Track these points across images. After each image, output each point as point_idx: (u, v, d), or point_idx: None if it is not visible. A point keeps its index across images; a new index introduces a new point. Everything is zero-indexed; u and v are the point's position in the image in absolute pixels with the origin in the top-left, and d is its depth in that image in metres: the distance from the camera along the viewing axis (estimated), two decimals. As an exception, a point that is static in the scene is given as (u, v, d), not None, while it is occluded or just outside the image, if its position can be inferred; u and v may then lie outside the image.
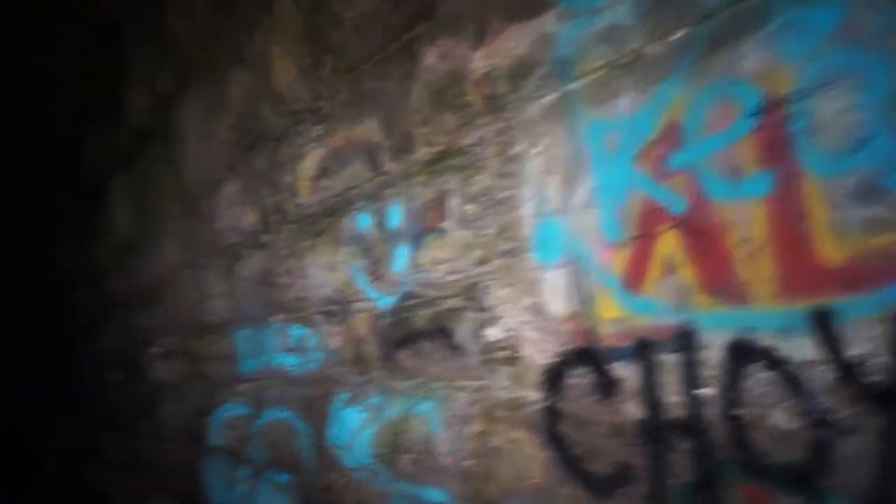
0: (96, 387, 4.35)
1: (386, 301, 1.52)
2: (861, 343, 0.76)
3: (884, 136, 0.72)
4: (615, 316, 1.02)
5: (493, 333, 1.24)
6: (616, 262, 1.01)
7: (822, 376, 0.79)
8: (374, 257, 1.53)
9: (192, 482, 2.81)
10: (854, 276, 0.75)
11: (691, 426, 0.94)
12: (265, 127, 1.93)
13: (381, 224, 1.49)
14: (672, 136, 0.91)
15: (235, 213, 2.18)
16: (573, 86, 1.03)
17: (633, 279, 0.98)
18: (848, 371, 0.77)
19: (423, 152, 1.35)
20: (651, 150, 0.93)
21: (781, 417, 0.84)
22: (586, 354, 1.08)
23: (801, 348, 0.81)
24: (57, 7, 3.23)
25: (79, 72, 3.51)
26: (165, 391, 3.11)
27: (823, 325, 0.79)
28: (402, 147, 1.40)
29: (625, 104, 0.95)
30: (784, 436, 0.84)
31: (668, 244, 0.93)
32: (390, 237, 1.47)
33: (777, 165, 0.80)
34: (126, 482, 3.80)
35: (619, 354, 1.02)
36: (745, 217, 0.84)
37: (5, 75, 4.01)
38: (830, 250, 0.77)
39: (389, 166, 1.45)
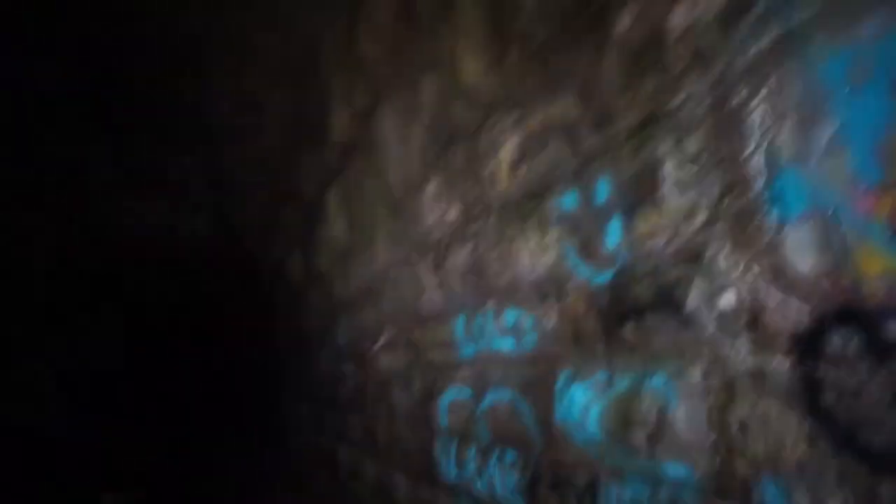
0: (335, 378, 4.99)
1: (601, 277, 1.52)
2: None
3: None
4: (885, 269, 0.90)
5: (727, 300, 1.18)
6: (879, 207, 0.89)
7: None
8: (584, 235, 1.54)
9: (426, 461, 3.10)
10: None
11: None
12: (458, 124, 2.04)
13: (588, 201, 1.50)
14: (944, 51, 0.78)
15: (439, 210, 2.34)
16: (801, 16, 0.93)
17: (905, 224, 0.87)
18: None
19: (625, 122, 1.32)
20: (915, 73, 0.81)
21: None
22: (849, 315, 0.97)
23: None
24: (263, 47, 3.76)
25: (289, 102, 4.05)
26: (394, 378, 3.46)
27: None
28: (602, 120, 1.38)
29: (873, 25, 0.84)
30: None
31: (951, 178, 0.80)
32: (599, 213, 1.47)
33: None
34: (368, 460, 4.31)
35: (893, 313, 0.91)
36: None
37: (233, 116, 4.78)
38: None
39: (590, 141, 1.44)
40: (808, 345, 1.06)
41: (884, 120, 0.86)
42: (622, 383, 1.54)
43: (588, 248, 1.54)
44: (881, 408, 0.95)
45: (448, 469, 2.86)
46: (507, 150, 1.79)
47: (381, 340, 3.53)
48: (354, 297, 3.95)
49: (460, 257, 2.27)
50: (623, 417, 1.54)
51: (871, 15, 0.84)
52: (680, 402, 1.35)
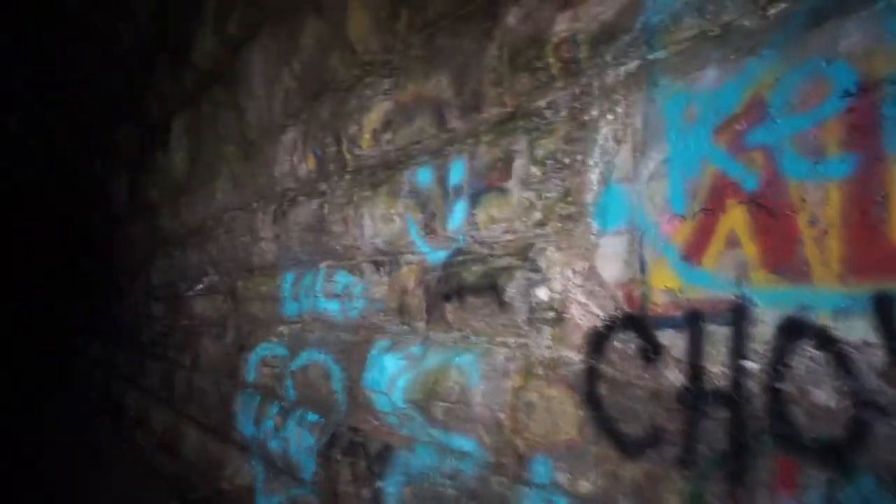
0: (143, 318, 4.53)
1: (437, 255, 1.55)
2: (921, 330, 0.76)
3: (977, 126, 0.71)
4: (670, 286, 1.03)
5: (542, 294, 1.26)
6: (678, 233, 1.01)
7: (874, 359, 0.80)
8: (431, 212, 1.56)
9: (223, 414, 2.93)
10: (925, 264, 0.75)
11: (731, 396, 0.96)
12: (333, 77, 1.96)
13: (441, 180, 1.52)
14: (755, 112, 0.90)
15: (294, 160, 2.23)
16: (658, 55, 1.03)
17: (694, 251, 0.99)
18: (903, 356, 0.78)
19: (492, 112, 1.36)
20: (731, 125, 0.93)
21: (824, 395, 0.85)
22: (634, 321, 1.09)
23: (857, 330, 0.81)
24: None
25: (151, 11, 3.59)
26: (207, 327, 3.22)
27: (884, 309, 0.79)
28: (472, 105, 1.41)
29: (711, 77, 0.95)
30: (824, 413, 0.85)
31: (735, 219, 0.94)
32: (449, 193, 1.50)
33: (862, 149, 0.80)
34: (159, 409, 3.97)
35: (668, 323, 1.04)
36: (820, 198, 0.84)
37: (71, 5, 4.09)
38: (904, 236, 0.77)
39: (456, 124, 1.46)
40: (596, 343, 1.17)
41: (700, 159, 0.98)
42: (433, 358, 1.58)
43: (430, 226, 1.57)
44: (641, 402, 1.09)
45: (245, 425, 2.74)
46: (375, 115, 1.75)
47: (201, 285, 3.28)
48: (181, 236, 3.61)
49: (304, 213, 2.18)
50: (428, 390, 1.59)
51: (711, 67, 0.95)
52: (481, 381, 1.42)
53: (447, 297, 1.52)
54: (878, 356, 0.79)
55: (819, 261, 0.85)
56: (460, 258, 1.48)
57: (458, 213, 1.47)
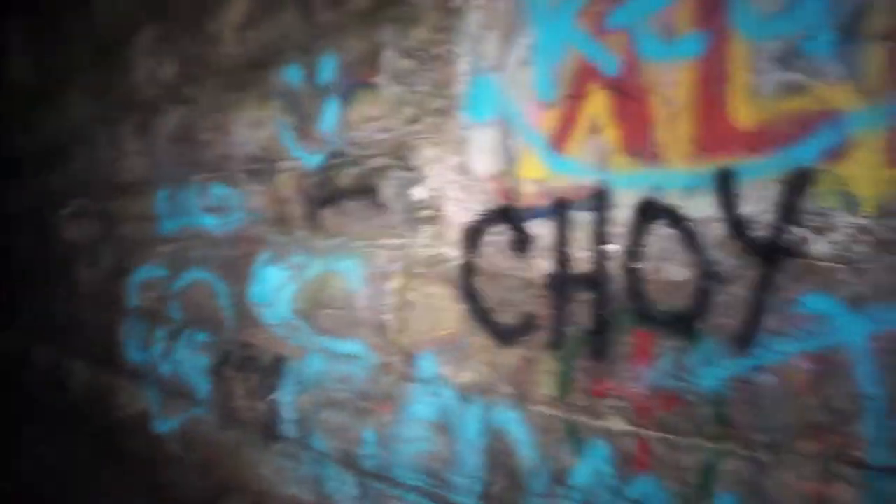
0: (6, 252, 4.00)
1: (312, 160, 1.43)
2: (754, 202, 0.79)
3: (813, -2, 0.71)
4: (537, 176, 1.01)
5: (417, 192, 1.21)
6: (545, 121, 0.98)
7: (716, 232, 0.83)
8: (303, 113, 1.42)
9: (109, 343, 2.71)
10: (759, 139, 0.77)
11: (594, 279, 0.97)
12: (187, -34, 1.69)
13: (311, 78, 1.38)
14: (615, -8, 0.86)
15: (153, 64, 1.95)
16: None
17: (559, 140, 0.97)
18: (738, 227, 0.81)
19: (360, 2, 1.22)
20: (592, 7, 0.88)
21: (674, 269, 0.88)
22: (506, 213, 1.07)
23: (702, 206, 0.83)
24: None
25: None
26: (79, 253, 2.90)
27: (724, 184, 0.81)
28: (338, -6, 1.26)
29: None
30: (674, 286, 0.88)
31: (596, 105, 0.91)
32: (320, 92, 1.36)
33: (710, 26, 0.78)
34: (42, 344, 3.62)
35: (537, 213, 1.02)
36: (672, 79, 0.83)
37: None
38: (743, 113, 0.77)
39: (324, 16, 1.31)
40: (472, 237, 1.14)
41: (563, 44, 0.93)
42: (315, 266, 1.50)
43: (303, 129, 1.43)
44: (514, 292, 1.08)
45: (133, 353, 2.55)
46: (237, 9, 1.54)
47: (68, 209, 2.91)
48: (37, 156, 3.15)
49: (171, 121, 1.94)
50: (312, 299, 1.52)
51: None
52: (364, 285, 1.37)
53: (325, 203, 1.43)
54: (719, 229, 0.82)
55: (671, 142, 0.85)
56: (336, 161, 1.37)
57: (330, 113, 1.35)
